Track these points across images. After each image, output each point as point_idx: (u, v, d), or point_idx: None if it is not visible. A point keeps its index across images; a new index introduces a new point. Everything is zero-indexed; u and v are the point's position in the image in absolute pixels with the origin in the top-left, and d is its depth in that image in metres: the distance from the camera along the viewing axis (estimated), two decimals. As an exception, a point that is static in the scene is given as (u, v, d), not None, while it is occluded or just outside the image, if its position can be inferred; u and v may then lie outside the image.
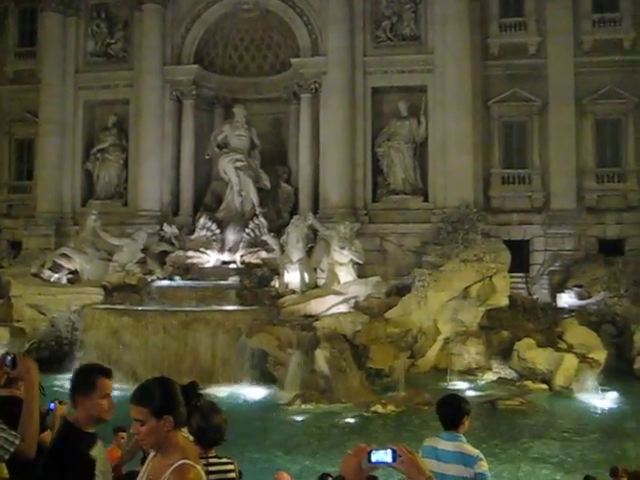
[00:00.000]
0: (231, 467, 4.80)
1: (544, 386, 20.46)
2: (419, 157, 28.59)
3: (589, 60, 28.87)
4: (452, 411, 5.50)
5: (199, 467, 3.46)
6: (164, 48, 30.02)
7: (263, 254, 26.73)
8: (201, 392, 3.79)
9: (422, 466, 3.15)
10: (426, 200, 28.14)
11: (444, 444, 5.42)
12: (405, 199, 28.05)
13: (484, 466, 5.41)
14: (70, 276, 26.29)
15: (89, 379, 4.16)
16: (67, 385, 4.34)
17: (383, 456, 3.17)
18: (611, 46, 28.97)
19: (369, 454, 3.19)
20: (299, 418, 17.36)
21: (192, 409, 3.72)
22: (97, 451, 4.07)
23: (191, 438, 4.84)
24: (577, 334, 22.55)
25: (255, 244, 27.15)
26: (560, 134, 28.63)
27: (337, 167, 27.97)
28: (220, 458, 4.80)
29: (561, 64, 28.88)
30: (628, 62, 28.88)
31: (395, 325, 21.81)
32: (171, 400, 3.56)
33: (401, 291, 23.77)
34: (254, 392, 19.98)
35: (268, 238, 26.75)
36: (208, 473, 4.60)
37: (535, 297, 26.90)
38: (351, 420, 16.93)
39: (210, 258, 27.15)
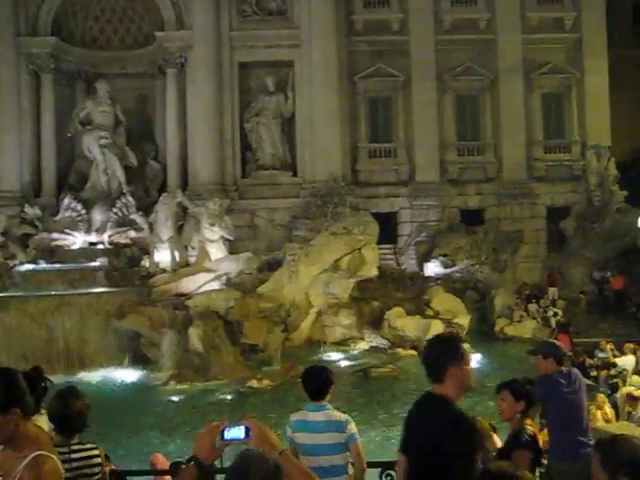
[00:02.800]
0: (96, 452, 4.70)
1: (414, 352, 21.24)
2: (287, 132, 28.76)
3: (449, 38, 29.93)
4: (319, 382, 5.65)
5: (55, 457, 3.34)
6: (17, 18, 28.17)
7: (132, 234, 26.10)
8: (47, 376, 3.57)
9: (274, 441, 3.15)
10: (295, 175, 28.39)
11: (313, 415, 5.56)
12: (274, 174, 28.17)
13: (354, 428, 5.65)
14: None
15: (456, 347, 3.89)
16: None
17: (236, 433, 3.14)
18: (468, 25, 30.17)
19: (222, 432, 3.15)
20: (175, 398, 17.22)
21: (39, 395, 3.52)
22: None
23: (52, 426, 4.71)
24: (443, 301, 23.65)
25: (123, 224, 26.44)
26: (423, 109, 29.59)
27: (205, 143, 27.64)
28: (84, 444, 4.66)
29: (423, 41, 29.78)
30: (483, 41, 30.20)
31: (268, 300, 21.97)
32: (15, 391, 3.34)
33: (273, 266, 23.96)
34: (128, 374, 19.61)
35: (136, 217, 26.14)
36: (71, 460, 4.49)
37: (403, 267, 27.86)
38: (227, 397, 16.98)
39: (76, 240, 26.21)
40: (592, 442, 6.19)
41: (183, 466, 3.25)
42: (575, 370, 6.70)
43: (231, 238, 25.12)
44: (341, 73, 28.66)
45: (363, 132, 29.95)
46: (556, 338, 20.00)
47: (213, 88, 27.84)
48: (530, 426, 5.42)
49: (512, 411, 5.38)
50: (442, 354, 3.94)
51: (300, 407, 5.91)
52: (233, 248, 25.27)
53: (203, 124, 27.69)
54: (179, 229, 25.32)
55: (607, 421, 11.74)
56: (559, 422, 6.31)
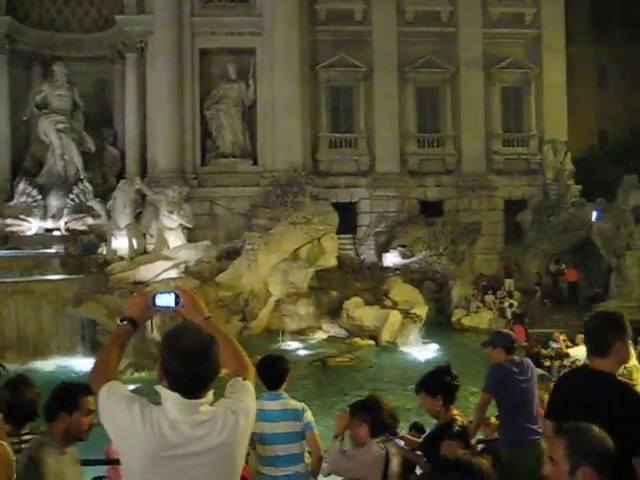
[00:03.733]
0: (47, 442, 4.64)
1: (371, 342, 21.44)
2: (248, 120, 28.54)
3: (411, 30, 30.03)
4: (274, 371, 5.64)
5: (5, 444, 3.31)
6: (-30, -4, 27.53)
7: (89, 220, 25.79)
8: (4, 365, 3.54)
9: (202, 307, 3.26)
10: (255, 163, 28.25)
11: (269, 404, 5.54)
12: (234, 162, 27.98)
13: (310, 416, 5.67)
14: None
15: (623, 323, 4.01)
16: None
17: (166, 300, 3.22)
18: (431, 18, 30.33)
19: (153, 298, 3.23)
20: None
21: None
22: None
23: (0, 415, 4.62)
24: (401, 291, 23.82)
25: (80, 210, 26.08)
26: (384, 100, 29.68)
27: (165, 130, 27.31)
28: (35, 434, 4.61)
29: (385, 32, 29.83)
30: (445, 34, 30.41)
31: (226, 289, 21.89)
32: None
33: (231, 255, 23.87)
34: (84, 363, 19.26)
35: (94, 203, 25.81)
36: (22, 451, 4.43)
37: (362, 257, 27.97)
38: (184, 385, 16.88)
39: (32, 226, 25.76)
40: (541, 430, 6.34)
41: (118, 323, 3.31)
42: (527, 360, 6.82)
43: (190, 226, 24.96)
44: (303, 62, 28.56)
45: (324, 122, 29.93)
46: (511, 329, 20.33)
47: (173, 74, 27.49)
48: (459, 417, 5.50)
49: (434, 407, 5.45)
50: (609, 329, 4.04)
51: (256, 396, 5.89)
52: (192, 236, 25.11)
53: (163, 110, 27.36)
54: (137, 216, 25.07)
55: (559, 410, 11.97)
56: (509, 409, 6.43)
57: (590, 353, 4.15)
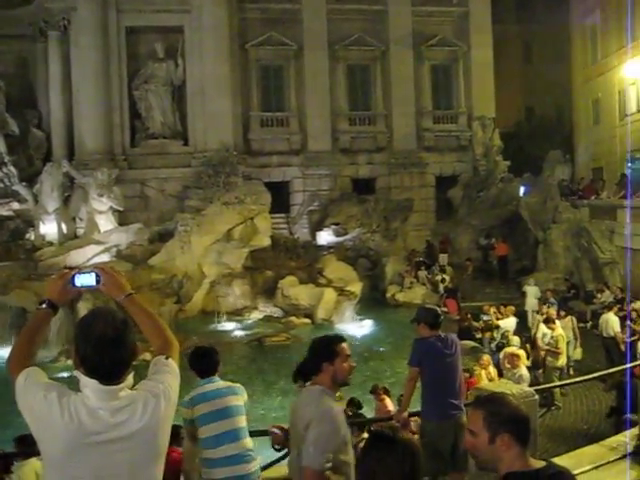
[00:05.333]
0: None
1: (307, 320, 21.58)
2: (178, 100, 28.13)
3: (340, 8, 30.01)
4: (207, 362, 5.71)
5: None
6: None
7: (15, 205, 25.06)
8: None
9: (122, 284, 3.19)
10: (186, 144, 27.90)
11: (209, 386, 5.58)
12: (165, 143, 27.56)
13: (246, 397, 5.77)
14: None
15: None
16: None
17: (87, 279, 3.16)
18: (360, -5, 30.34)
19: (72, 278, 3.16)
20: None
21: None
22: None
23: None
24: (335, 269, 23.97)
25: (5, 195, 25.33)
26: (315, 78, 29.69)
27: (92, 111, 26.64)
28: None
29: (315, 10, 29.75)
30: (375, 12, 30.48)
31: (159, 272, 21.63)
32: None
33: (164, 237, 23.60)
34: (14, 353, 18.91)
35: (19, 188, 25.11)
36: None
37: (296, 236, 28.03)
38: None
39: (-47, 212, 24.92)
40: (462, 404, 6.54)
41: (38, 307, 3.18)
42: (452, 335, 6.98)
43: (120, 209, 24.56)
44: (232, 41, 28.24)
45: (255, 101, 29.71)
46: (444, 303, 20.81)
47: (99, 53, 26.78)
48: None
49: None
50: None
51: (192, 384, 5.87)
52: (123, 219, 24.70)
53: (89, 90, 26.67)
54: (66, 200, 24.53)
55: (490, 380, 12.32)
56: (431, 383, 6.58)
57: None
